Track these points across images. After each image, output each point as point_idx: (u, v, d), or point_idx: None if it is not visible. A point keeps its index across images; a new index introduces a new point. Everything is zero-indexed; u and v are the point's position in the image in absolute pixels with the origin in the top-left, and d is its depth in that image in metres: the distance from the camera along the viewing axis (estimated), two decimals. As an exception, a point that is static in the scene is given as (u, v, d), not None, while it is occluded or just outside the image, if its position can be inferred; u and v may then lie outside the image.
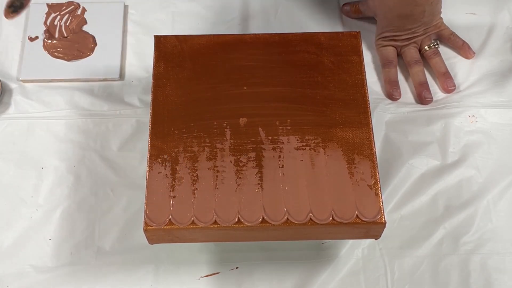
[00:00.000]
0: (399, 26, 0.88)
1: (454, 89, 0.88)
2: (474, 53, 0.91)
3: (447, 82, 0.88)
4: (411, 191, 0.82)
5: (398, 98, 0.88)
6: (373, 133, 0.71)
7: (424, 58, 0.91)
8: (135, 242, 0.79)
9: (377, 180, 0.68)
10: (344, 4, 0.96)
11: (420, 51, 0.91)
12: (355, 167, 0.68)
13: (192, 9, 0.96)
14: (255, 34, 0.78)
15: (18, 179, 0.83)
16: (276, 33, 0.77)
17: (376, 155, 0.69)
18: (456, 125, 0.86)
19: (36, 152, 0.85)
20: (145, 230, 0.66)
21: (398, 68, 0.90)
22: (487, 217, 0.80)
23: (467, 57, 0.91)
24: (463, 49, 0.91)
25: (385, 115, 0.87)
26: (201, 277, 0.78)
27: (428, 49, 0.90)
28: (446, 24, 0.91)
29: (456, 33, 0.91)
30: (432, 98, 0.88)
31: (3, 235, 0.80)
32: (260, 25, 0.95)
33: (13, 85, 0.90)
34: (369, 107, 0.72)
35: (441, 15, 0.90)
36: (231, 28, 0.95)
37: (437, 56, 0.90)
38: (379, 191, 0.67)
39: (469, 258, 0.78)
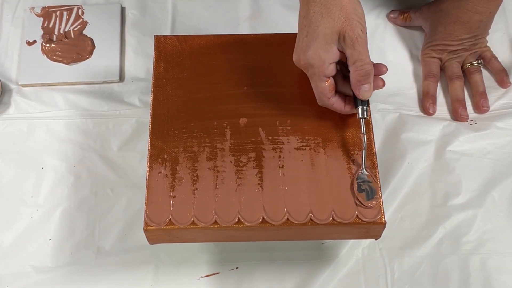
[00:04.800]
0: (453, 34, 0.87)
1: (487, 110, 0.87)
2: (511, 83, 0.89)
3: (483, 102, 0.87)
4: (411, 191, 0.82)
5: (432, 114, 0.87)
6: (373, 133, 0.71)
7: (464, 74, 0.90)
8: (135, 242, 0.79)
9: (377, 180, 0.68)
10: (391, 11, 0.95)
11: (461, 67, 0.90)
12: (355, 167, 0.68)
13: (192, 9, 0.96)
14: (255, 34, 0.78)
15: (18, 179, 0.83)
16: (276, 33, 0.77)
17: (376, 155, 0.69)
18: (455, 125, 0.86)
19: (36, 152, 0.85)
20: (145, 230, 0.66)
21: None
22: (487, 217, 0.80)
23: (502, 85, 0.90)
24: (500, 75, 0.90)
25: (385, 115, 0.87)
26: (201, 277, 0.78)
27: (470, 66, 0.89)
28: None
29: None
30: (468, 116, 0.87)
31: (3, 235, 0.80)
32: (260, 25, 0.95)
33: (13, 86, 0.90)
34: (369, 107, 0.72)
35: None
36: (231, 28, 0.95)
37: (479, 74, 0.89)
38: (379, 191, 0.67)
39: (469, 258, 0.78)
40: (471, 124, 0.86)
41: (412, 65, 0.92)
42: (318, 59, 0.65)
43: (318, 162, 0.68)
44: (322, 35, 0.65)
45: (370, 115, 0.71)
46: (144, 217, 0.66)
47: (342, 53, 0.66)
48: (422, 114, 0.88)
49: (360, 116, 0.67)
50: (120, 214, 0.81)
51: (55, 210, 0.81)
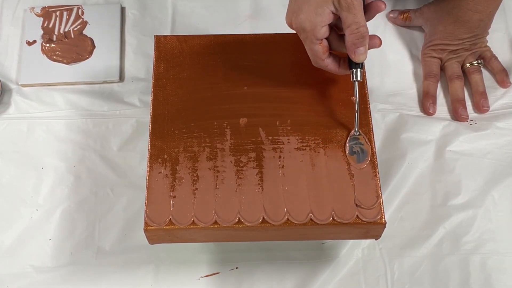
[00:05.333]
0: (453, 34, 0.87)
1: (487, 110, 0.87)
2: (511, 83, 0.89)
3: (483, 102, 0.87)
4: (411, 191, 0.82)
5: (433, 114, 0.87)
6: (373, 133, 0.71)
7: (464, 74, 0.90)
8: (135, 242, 0.79)
9: (377, 180, 0.68)
10: (391, 11, 0.95)
11: (462, 67, 0.90)
12: (355, 167, 0.68)
13: (192, 9, 0.96)
14: (255, 34, 0.78)
15: (18, 179, 0.83)
16: (276, 33, 0.77)
17: (376, 155, 0.69)
18: (456, 125, 0.86)
19: (36, 152, 0.85)
20: (145, 230, 0.66)
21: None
22: (487, 217, 0.80)
23: (502, 85, 0.90)
24: (500, 75, 0.90)
25: (385, 115, 0.87)
26: (201, 277, 0.78)
27: (470, 66, 0.89)
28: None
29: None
30: (468, 116, 0.87)
31: (3, 235, 0.80)
32: (260, 25, 0.95)
33: (13, 86, 0.90)
34: (369, 107, 0.72)
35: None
36: (231, 28, 0.95)
37: (479, 74, 0.89)
38: (379, 191, 0.67)
39: (469, 258, 0.78)
40: (471, 124, 0.86)
41: (412, 65, 0.92)
42: (309, 23, 0.65)
43: (318, 162, 0.68)
44: None
45: (370, 115, 0.71)
46: (144, 217, 0.66)
47: (335, 15, 0.66)
48: (422, 114, 0.88)
49: (354, 79, 0.68)
50: (120, 214, 0.81)
51: (55, 210, 0.81)
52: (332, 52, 0.70)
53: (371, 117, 0.71)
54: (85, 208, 0.81)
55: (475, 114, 0.87)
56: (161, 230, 0.66)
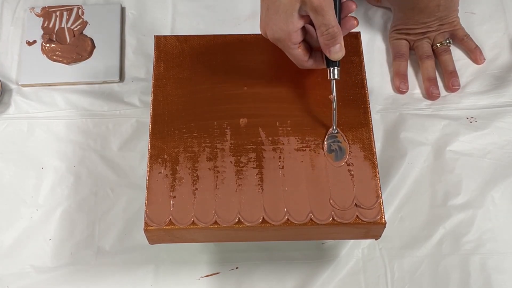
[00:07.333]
0: (414, 19, 0.89)
1: (458, 89, 0.88)
2: (485, 59, 0.91)
3: (453, 80, 0.88)
4: (411, 191, 0.82)
5: (405, 92, 0.88)
6: (373, 133, 0.71)
7: (434, 55, 0.91)
8: (135, 242, 0.79)
9: (377, 180, 0.68)
10: None
11: (431, 47, 0.91)
12: (355, 167, 0.68)
13: (192, 9, 0.96)
14: (255, 34, 0.78)
15: (18, 179, 0.83)
16: (276, 33, 0.77)
17: (376, 155, 0.69)
18: (456, 125, 0.86)
19: (36, 152, 0.85)
20: (145, 230, 0.66)
21: (408, 62, 0.91)
22: (487, 217, 0.80)
23: (476, 62, 0.91)
24: (474, 53, 0.91)
25: (385, 115, 0.87)
26: (201, 277, 0.78)
27: (439, 46, 0.90)
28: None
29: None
30: (439, 94, 0.88)
31: (3, 235, 0.80)
32: (260, 25, 0.95)
33: (13, 86, 0.90)
34: (369, 107, 0.72)
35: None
36: (231, 28, 0.94)
37: (447, 54, 0.90)
38: (379, 191, 0.67)
39: (469, 258, 0.78)
40: (471, 122, 0.86)
41: (412, 65, 0.92)
42: (282, 32, 0.66)
43: (318, 163, 0.68)
44: (282, 6, 0.65)
45: (370, 115, 0.71)
46: (144, 217, 0.66)
47: (307, 16, 0.66)
48: (422, 114, 0.87)
49: (331, 77, 0.68)
50: (120, 214, 0.81)
51: (55, 210, 0.81)
52: (314, 50, 0.70)
53: (371, 117, 0.71)
54: (85, 208, 0.81)
55: (476, 112, 0.87)
56: (161, 230, 0.66)
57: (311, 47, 0.70)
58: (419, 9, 0.87)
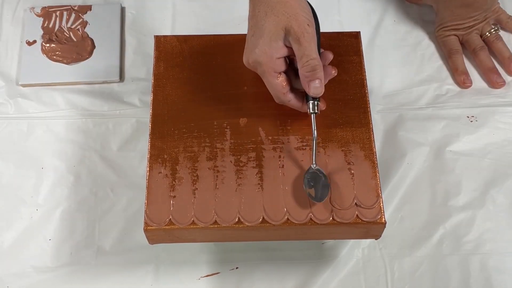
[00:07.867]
0: (462, 15, 0.89)
1: None
2: None
3: None
4: (411, 191, 0.82)
5: (470, 86, 0.89)
6: (373, 133, 0.71)
7: (486, 44, 0.91)
8: (135, 242, 0.79)
9: (377, 180, 0.68)
10: None
11: (481, 37, 0.91)
12: (355, 167, 0.68)
13: (192, 9, 0.96)
14: (255, 34, 0.78)
15: (18, 179, 0.83)
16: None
17: (376, 155, 0.69)
18: (455, 125, 0.86)
19: (36, 152, 0.85)
20: (145, 230, 0.66)
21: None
22: (487, 217, 0.80)
23: None
24: None
25: (385, 115, 0.87)
26: (201, 277, 0.78)
27: (489, 34, 0.91)
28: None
29: None
30: (504, 81, 0.88)
31: (3, 235, 0.80)
32: (260, 25, 0.94)
33: (13, 86, 0.90)
34: (369, 107, 0.72)
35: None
36: (231, 28, 0.94)
37: (500, 41, 0.91)
38: (379, 191, 0.67)
39: (469, 258, 0.78)
40: (471, 121, 0.86)
41: (412, 65, 0.92)
42: (264, 55, 0.65)
43: (318, 162, 0.68)
44: (267, 31, 0.65)
45: (370, 115, 0.71)
46: (144, 217, 0.66)
47: (289, 48, 0.66)
48: (422, 114, 0.87)
49: (311, 111, 0.67)
50: (120, 214, 0.81)
51: (55, 210, 0.81)
52: (295, 89, 0.68)
53: (371, 117, 0.71)
54: (85, 208, 0.81)
55: (475, 111, 0.87)
56: (161, 230, 0.66)
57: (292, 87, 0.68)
58: (467, 4, 0.88)
